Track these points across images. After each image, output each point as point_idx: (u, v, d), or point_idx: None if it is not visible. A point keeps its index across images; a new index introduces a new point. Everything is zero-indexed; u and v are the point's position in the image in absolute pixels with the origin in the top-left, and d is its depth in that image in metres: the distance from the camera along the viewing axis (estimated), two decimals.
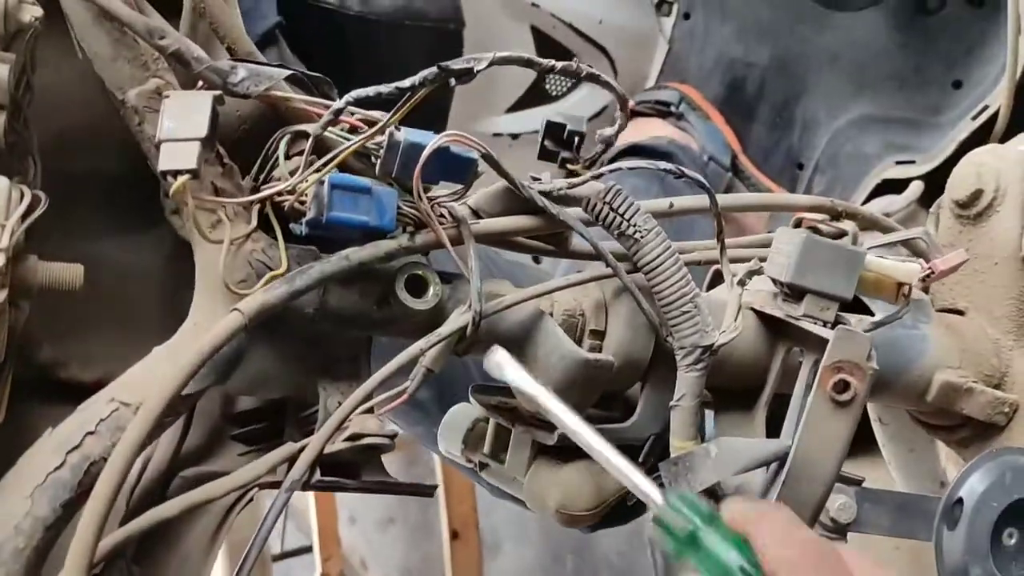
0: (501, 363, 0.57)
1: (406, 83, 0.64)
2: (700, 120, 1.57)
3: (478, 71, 0.65)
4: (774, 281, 0.68)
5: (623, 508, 0.78)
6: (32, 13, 0.64)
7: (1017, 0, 1.18)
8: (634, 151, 1.47)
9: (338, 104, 0.65)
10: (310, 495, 3.20)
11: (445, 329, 0.66)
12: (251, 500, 0.72)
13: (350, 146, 0.65)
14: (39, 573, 0.67)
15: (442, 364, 0.67)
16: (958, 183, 0.88)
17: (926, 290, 0.88)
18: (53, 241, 0.67)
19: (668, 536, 0.51)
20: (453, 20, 1.41)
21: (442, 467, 3.07)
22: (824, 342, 0.62)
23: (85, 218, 0.76)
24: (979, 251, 0.87)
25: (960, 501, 0.68)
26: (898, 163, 1.37)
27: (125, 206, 0.78)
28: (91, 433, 0.64)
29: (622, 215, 0.66)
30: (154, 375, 0.66)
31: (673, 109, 1.57)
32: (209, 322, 0.67)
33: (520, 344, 0.71)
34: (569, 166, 0.72)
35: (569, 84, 1.61)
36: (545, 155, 0.73)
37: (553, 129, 0.73)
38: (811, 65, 1.55)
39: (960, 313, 0.89)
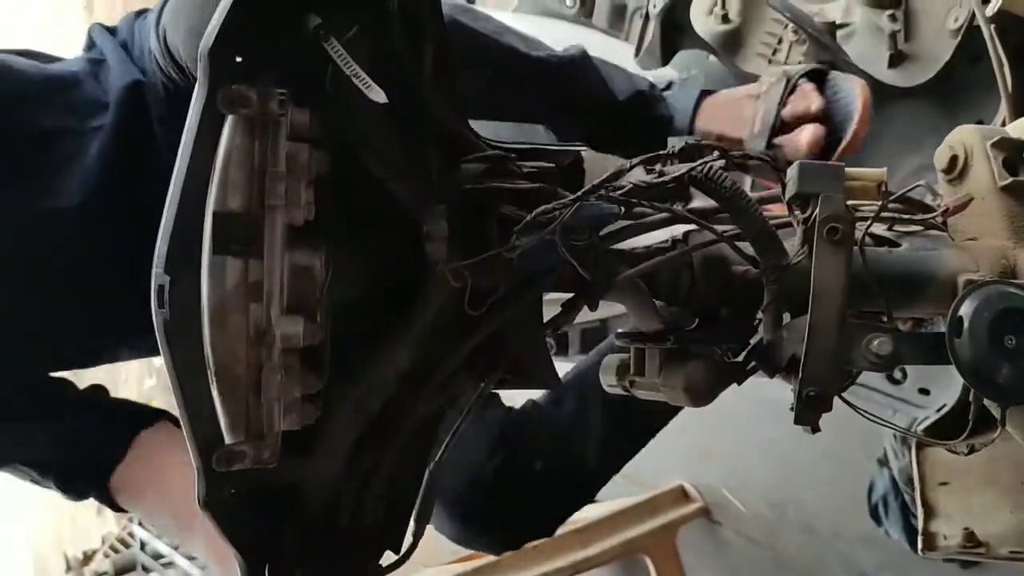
0: None
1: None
2: None
3: None
4: (791, 203, 1.02)
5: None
6: None
7: (995, 46, 1.53)
8: None
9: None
10: None
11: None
12: None
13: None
14: None
15: None
16: (939, 158, 1.16)
17: (944, 227, 1.18)
18: None
19: None
20: None
21: None
22: None
23: None
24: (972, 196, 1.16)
25: (960, 318, 0.96)
26: None
27: None
28: None
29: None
30: None
31: None
32: None
33: None
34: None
35: None
36: None
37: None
38: (869, 142, 1.91)
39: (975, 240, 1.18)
